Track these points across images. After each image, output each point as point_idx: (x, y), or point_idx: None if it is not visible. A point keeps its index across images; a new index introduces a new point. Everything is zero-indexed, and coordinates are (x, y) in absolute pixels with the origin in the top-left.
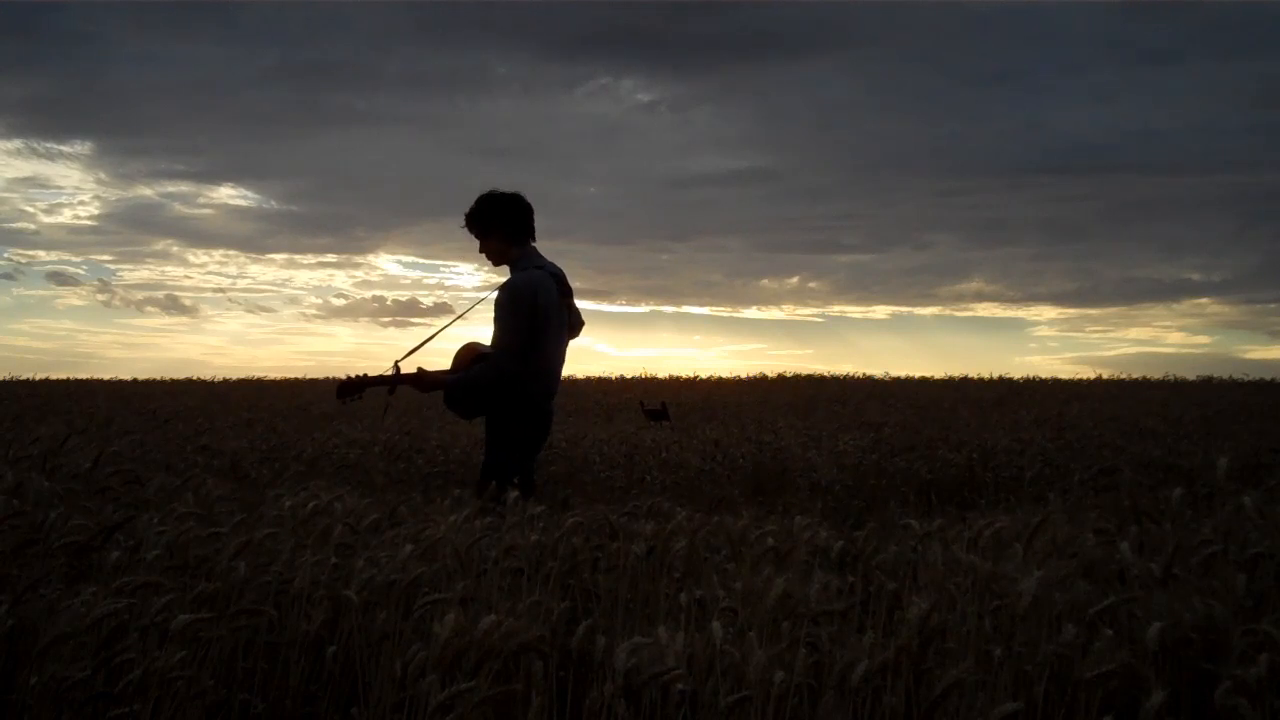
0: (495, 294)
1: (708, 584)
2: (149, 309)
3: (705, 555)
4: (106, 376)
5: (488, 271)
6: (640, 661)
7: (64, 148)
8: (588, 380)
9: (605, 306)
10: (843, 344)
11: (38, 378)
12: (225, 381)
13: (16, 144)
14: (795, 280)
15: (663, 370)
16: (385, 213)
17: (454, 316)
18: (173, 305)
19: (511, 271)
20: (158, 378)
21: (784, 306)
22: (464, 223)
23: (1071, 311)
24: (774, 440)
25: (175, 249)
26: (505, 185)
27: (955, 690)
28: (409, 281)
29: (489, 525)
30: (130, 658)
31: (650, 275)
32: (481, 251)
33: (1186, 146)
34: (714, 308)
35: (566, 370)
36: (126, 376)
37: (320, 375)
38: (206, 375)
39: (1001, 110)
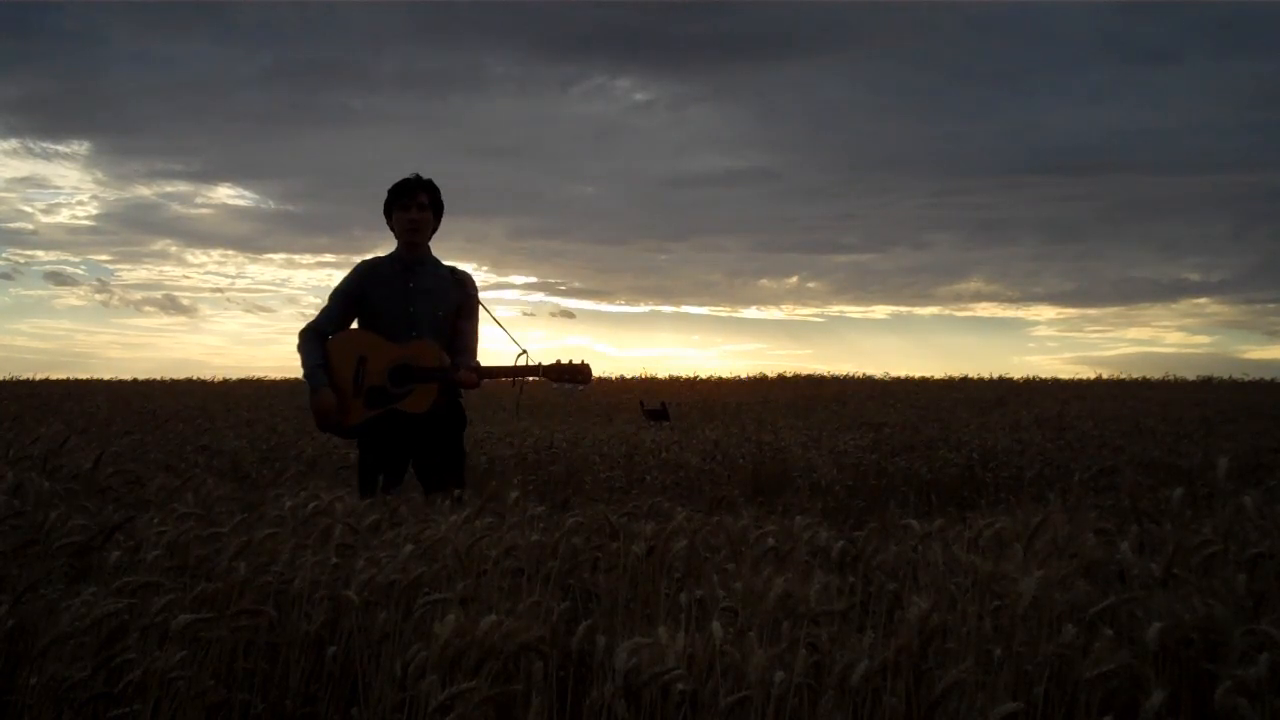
0: (434, 283)
1: (708, 584)
2: (147, 309)
3: (705, 555)
4: (106, 376)
5: (487, 270)
6: (640, 661)
7: (61, 148)
8: None
9: (604, 306)
10: (842, 344)
11: (37, 378)
12: (225, 381)
13: (14, 144)
14: (794, 280)
15: (663, 370)
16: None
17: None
18: (171, 305)
19: (425, 259)
20: (157, 378)
21: (783, 306)
22: (428, 192)
23: (1071, 311)
24: (774, 440)
25: (173, 249)
26: (492, 184)
27: (955, 690)
28: None
29: (489, 525)
30: (130, 658)
31: (649, 275)
32: (421, 216)
33: (1186, 146)
34: (713, 308)
35: None
36: (126, 376)
37: None
38: (206, 375)
39: (1001, 110)
